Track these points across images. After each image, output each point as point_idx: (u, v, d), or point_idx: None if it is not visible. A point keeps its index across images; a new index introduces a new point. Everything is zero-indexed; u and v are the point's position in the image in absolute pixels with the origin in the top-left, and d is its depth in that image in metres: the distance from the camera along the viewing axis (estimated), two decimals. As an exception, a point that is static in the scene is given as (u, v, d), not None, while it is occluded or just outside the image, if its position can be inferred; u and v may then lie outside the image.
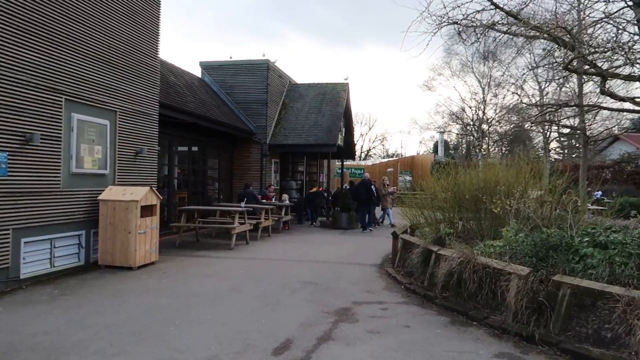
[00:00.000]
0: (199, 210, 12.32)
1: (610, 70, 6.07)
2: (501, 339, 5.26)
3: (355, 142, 22.17)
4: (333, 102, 18.96)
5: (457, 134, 40.53)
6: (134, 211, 8.63)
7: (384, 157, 55.73)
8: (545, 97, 33.24)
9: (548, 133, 33.72)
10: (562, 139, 41.86)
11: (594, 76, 6.22)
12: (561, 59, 6.70)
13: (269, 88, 17.60)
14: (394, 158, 47.20)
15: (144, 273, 8.40)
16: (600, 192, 21.08)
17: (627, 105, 6.67)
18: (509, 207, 8.10)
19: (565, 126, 15.49)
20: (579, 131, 14.33)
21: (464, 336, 5.38)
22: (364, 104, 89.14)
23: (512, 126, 37.75)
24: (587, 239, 6.62)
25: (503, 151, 40.45)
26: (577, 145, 44.29)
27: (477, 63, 33.06)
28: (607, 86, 6.13)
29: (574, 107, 12.24)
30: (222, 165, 17.19)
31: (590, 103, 11.92)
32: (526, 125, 38.22)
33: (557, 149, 46.74)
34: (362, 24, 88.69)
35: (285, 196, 16.74)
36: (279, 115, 18.64)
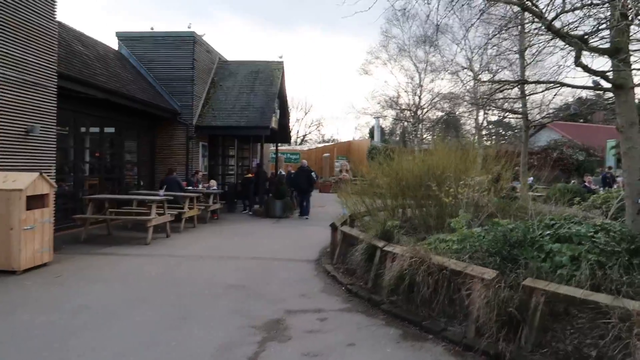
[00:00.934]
0: (111, 199, 10.67)
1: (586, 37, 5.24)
2: (465, 358, 4.33)
3: (290, 126, 20.95)
4: (267, 81, 17.60)
5: (394, 119, 40.28)
6: (16, 203, 7.01)
7: (320, 143, 54.84)
8: (477, 84, 33.50)
9: (483, 119, 34.09)
10: (489, 126, 42.48)
11: (568, 45, 5.38)
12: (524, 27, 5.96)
13: (196, 64, 15.95)
14: (330, 143, 46.41)
15: (30, 278, 6.83)
16: (531, 178, 21.26)
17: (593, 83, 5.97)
18: (461, 196, 7.26)
19: (508, 110, 15.10)
20: (520, 116, 13.96)
21: (421, 356, 4.41)
22: (300, 88, 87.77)
23: (444, 113, 38.01)
24: (548, 232, 5.87)
25: (435, 137, 40.77)
26: (503, 132, 45.50)
27: (414, 47, 32.71)
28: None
29: (520, 86, 11.73)
30: (142, 148, 15.44)
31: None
32: (458, 112, 38.64)
33: (486, 136, 47.90)
34: (298, 7, 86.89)
35: (213, 182, 15.30)
36: (208, 95, 17.04)
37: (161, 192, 10.58)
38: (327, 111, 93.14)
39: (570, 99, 30.59)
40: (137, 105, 13.05)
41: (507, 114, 17.34)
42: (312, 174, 16.49)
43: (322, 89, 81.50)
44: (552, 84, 6.28)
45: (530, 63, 12.40)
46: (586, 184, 17.10)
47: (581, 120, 43.35)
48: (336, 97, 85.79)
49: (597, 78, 6.17)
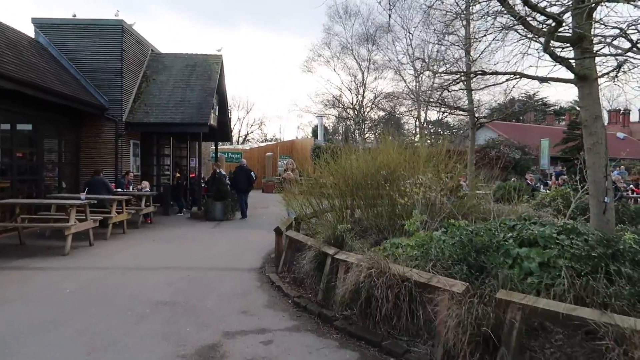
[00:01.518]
0: (23, 204, 9.33)
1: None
2: (434, 386, 3.72)
3: (232, 125, 19.92)
4: (204, 75, 16.53)
5: (337, 117, 39.95)
6: None
7: (262, 142, 53.78)
8: (420, 82, 33.76)
9: (424, 118, 34.38)
10: (429, 125, 42.85)
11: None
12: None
13: (125, 55, 14.65)
14: (273, 142, 45.48)
15: None
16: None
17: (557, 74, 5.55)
18: (417, 196, 6.71)
19: (455, 107, 14.92)
20: (466, 113, 13.79)
21: (384, 386, 3.75)
22: (242, 87, 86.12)
23: (386, 112, 38.12)
24: (510, 234, 5.42)
25: (377, 136, 40.82)
26: (441, 132, 46.24)
27: (357, 45, 32.48)
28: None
29: (467, 82, 11.45)
30: (65, 147, 13.97)
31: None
32: (399, 111, 38.87)
33: (426, 135, 48.65)
34: (238, 4, 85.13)
35: (145, 183, 14.10)
36: (139, 89, 15.76)
37: (83, 195, 9.38)
38: (269, 110, 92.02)
39: (507, 98, 31.34)
40: (57, 99, 11.68)
41: (453, 110, 17.24)
42: (252, 173, 15.97)
43: (263, 88, 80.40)
44: (512, 75, 5.83)
45: (477, 57, 12.20)
46: (528, 181, 17.31)
47: (513, 120, 44.91)
48: (278, 96, 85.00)
49: (558, 69, 5.79)
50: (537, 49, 5.59)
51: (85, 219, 9.36)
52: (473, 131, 13.65)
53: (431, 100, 15.56)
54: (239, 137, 57.21)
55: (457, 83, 7.84)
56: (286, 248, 7.43)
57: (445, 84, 8.40)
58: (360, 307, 4.70)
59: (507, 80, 6.06)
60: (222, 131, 18.80)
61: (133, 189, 13.78)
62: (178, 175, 15.57)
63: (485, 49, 7.77)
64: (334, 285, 5.66)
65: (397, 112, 39.73)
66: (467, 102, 14.62)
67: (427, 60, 31.93)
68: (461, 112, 16.43)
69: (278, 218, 14.22)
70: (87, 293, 6.17)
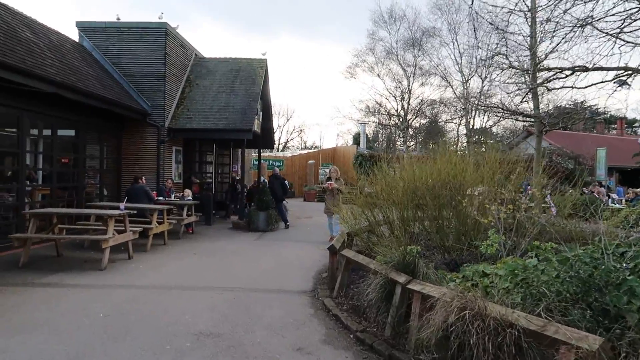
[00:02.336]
0: (60, 213, 8.83)
1: None
2: None
3: (274, 130, 19.29)
4: (249, 80, 15.95)
5: (380, 124, 38.85)
6: None
7: (302, 149, 53.31)
8: (467, 88, 32.38)
9: (471, 126, 33.03)
10: (471, 133, 40.88)
11: None
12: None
13: (168, 59, 14.22)
14: (313, 150, 44.80)
15: None
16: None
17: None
18: (501, 214, 5.70)
19: (519, 113, 13.69)
20: (533, 119, 12.56)
21: None
22: (282, 94, 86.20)
23: (430, 119, 36.76)
24: (627, 264, 4.36)
25: (419, 144, 39.42)
26: (484, 139, 44.27)
27: (402, 50, 31.45)
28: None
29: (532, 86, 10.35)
30: (107, 153, 13.62)
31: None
32: (445, 119, 37.42)
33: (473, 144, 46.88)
34: (277, 14, 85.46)
35: (187, 192, 13.54)
36: (182, 94, 15.31)
37: (122, 204, 8.80)
38: (309, 118, 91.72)
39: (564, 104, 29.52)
40: (98, 104, 11.27)
41: (514, 116, 15.93)
42: (285, 182, 16.13)
43: (303, 96, 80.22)
44: (622, 71, 4.80)
45: (548, 53, 10.99)
46: (595, 194, 15.82)
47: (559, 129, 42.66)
48: (318, 104, 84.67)
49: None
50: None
51: (125, 230, 8.77)
52: (539, 139, 12.40)
53: (489, 105, 14.36)
54: (278, 144, 56.99)
55: (549, 82, 6.78)
56: (342, 270, 6.55)
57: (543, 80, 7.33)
58: (450, 356, 3.74)
59: (615, 77, 5.00)
60: (265, 138, 18.17)
61: (174, 197, 13.24)
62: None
63: (557, 44, 6.68)
64: (405, 321, 4.74)
65: (440, 120, 38.35)
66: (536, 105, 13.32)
67: (479, 63, 30.56)
68: (526, 119, 15.10)
69: (323, 229, 13.47)
70: (121, 318, 5.46)
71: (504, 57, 12.63)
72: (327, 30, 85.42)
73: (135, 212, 9.29)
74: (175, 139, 14.73)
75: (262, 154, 31.15)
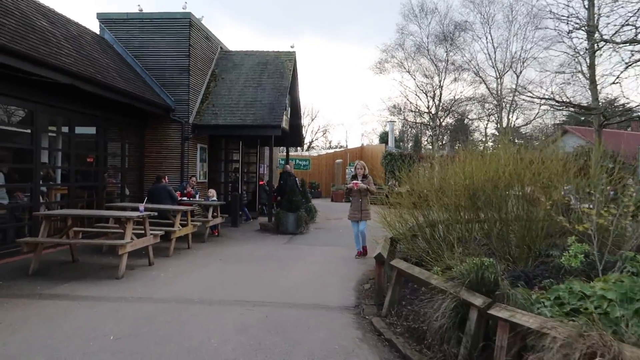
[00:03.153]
0: (75, 215, 8.04)
1: None
2: None
3: (303, 126, 18.38)
4: (277, 73, 15.09)
5: (410, 122, 37.60)
6: None
7: (327, 149, 52.37)
8: (500, 85, 30.95)
9: (508, 122, 31.63)
10: (505, 131, 39.25)
11: None
12: None
13: (192, 51, 13.45)
14: (340, 149, 43.80)
15: None
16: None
17: None
18: (600, 220, 4.62)
19: (574, 105, 12.51)
20: (592, 112, 11.35)
21: None
22: (306, 95, 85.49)
23: (460, 116, 35.37)
24: None
25: (444, 143, 37.99)
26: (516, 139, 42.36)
27: (433, 45, 30.21)
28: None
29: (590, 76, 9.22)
30: (128, 151, 12.92)
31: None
32: (477, 115, 35.94)
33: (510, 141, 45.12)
34: (298, 16, 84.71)
35: (212, 192, 12.73)
36: (207, 89, 14.54)
37: (141, 206, 7.98)
38: (333, 118, 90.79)
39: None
40: (118, 97, 10.53)
41: (569, 108, 14.72)
42: (297, 180, 15.86)
43: (327, 96, 79.35)
44: None
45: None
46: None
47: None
48: (343, 104, 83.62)
49: None
50: None
51: (144, 233, 7.95)
52: (599, 134, 11.22)
53: (540, 97, 13.15)
54: (303, 143, 56.27)
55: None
56: (393, 283, 5.56)
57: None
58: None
59: None
60: (294, 135, 17.30)
61: (198, 197, 12.45)
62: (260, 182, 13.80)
63: None
64: (484, 353, 3.75)
65: (470, 118, 36.91)
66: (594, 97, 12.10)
67: (513, 58, 29.14)
68: (583, 111, 13.87)
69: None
70: (135, 343, 4.58)
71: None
72: (350, 30, 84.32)
73: (156, 213, 8.46)
74: (199, 136, 13.95)
75: (283, 154, 30.25)
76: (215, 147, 15.44)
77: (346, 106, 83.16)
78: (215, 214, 12.03)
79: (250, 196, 17.51)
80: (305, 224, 13.71)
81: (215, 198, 12.63)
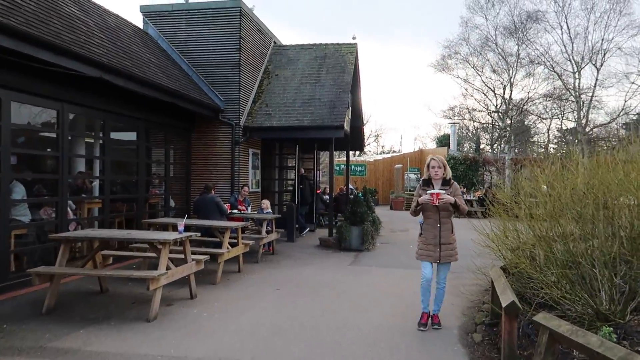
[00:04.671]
0: (99, 237, 6.53)
1: None
2: None
3: (364, 128, 16.57)
4: (337, 68, 13.37)
5: (475, 123, 34.97)
6: None
7: (379, 154, 50.20)
8: (579, 79, 27.92)
9: (585, 122, 28.63)
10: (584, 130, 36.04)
11: None
12: None
13: (244, 45, 11.95)
14: (393, 154, 41.59)
15: None
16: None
17: None
18: None
19: None
20: None
21: None
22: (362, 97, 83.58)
23: (531, 114, 32.40)
24: None
25: (513, 145, 35.01)
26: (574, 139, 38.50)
27: (501, 38, 27.65)
28: None
29: None
30: (173, 157, 11.57)
31: None
32: (529, 120, 32.85)
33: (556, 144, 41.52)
34: (348, 18, 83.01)
35: (266, 203, 11.13)
36: (260, 87, 13.03)
37: (181, 225, 6.38)
38: (386, 122, 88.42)
39: None
40: (161, 95, 9.13)
41: None
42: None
43: (380, 100, 77.18)
44: None
45: None
46: None
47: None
48: (395, 108, 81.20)
49: None
50: None
51: (185, 259, 6.37)
52: None
53: None
54: (364, 147, 54.32)
55: None
56: (543, 353, 3.62)
57: None
58: None
59: None
60: (355, 138, 15.54)
61: (250, 209, 10.88)
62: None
63: None
64: None
65: (541, 118, 33.84)
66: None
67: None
68: None
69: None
70: None
71: None
72: (401, 34, 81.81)
73: (198, 234, 6.85)
74: (251, 140, 12.43)
75: (338, 159, 28.26)
76: (268, 152, 13.90)
77: (399, 110, 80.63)
78: (269, 228, 10.42)
79: (307, 208, 15.84)
80: (372, 238, 11.86)
81: (269, 210, 11.04)
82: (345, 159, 31.87)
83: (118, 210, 9.67)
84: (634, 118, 28.48)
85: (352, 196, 16.59)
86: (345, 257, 10.47)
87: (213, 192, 9.71)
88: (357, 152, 54.63)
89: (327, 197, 16.47)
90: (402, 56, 78.57)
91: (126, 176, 10.27)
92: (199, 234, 6.69)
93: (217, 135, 11.81)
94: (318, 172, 17.67)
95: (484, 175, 29.77)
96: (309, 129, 11.80)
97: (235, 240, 8.43)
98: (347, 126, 13.05)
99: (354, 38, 14.36)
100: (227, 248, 7.83)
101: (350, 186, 18.40)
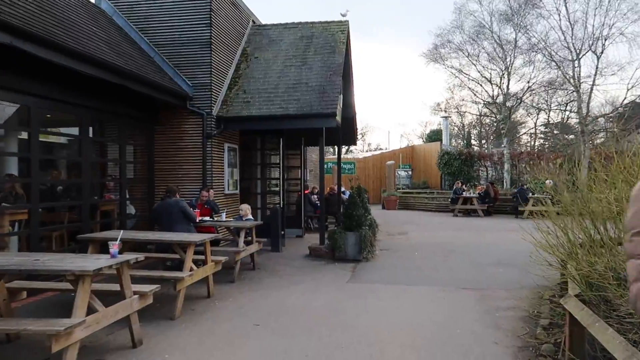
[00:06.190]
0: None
1: None
2: None
3: (356, 119, 14.73)
4: (326, 48, 11.51)
5: (470, 114, 33.34)
6: None
7: (366, 152, 48.43)
8: (578, 68, 26.41)
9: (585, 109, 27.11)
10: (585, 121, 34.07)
11: None
12: None
13: (215, 20, 10.04)
14: (379, 151, 39.82)
15: None
16: None
17: None
18: None
19: None
20: None
21: None
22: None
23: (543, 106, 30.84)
24: None
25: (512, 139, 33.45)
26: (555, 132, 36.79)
27: (497, 24, 26.04)
28: None
29: None
30: (134, 155, 9.65)
31: None
32: (518, 113, 31.40)
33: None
34: (331, 16, 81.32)
35: (245, 208, 9.24)
36: (237, 71, 11.12)
37: (114, 246, 4.43)
38: (371, 121, 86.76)
39: None
40: (106, 76, 7.19)
41: None
42: None
43: (363, 98, 75.90)
44: None
45: None
46: None
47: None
48: (379, 107, 79.84)
49: None
50: None
51: (122, 295, 4.47)
52: None
53: None
54: (356, 141, 52.56)
55: None
56: None
57: None
58: None
59: None
60: (347, 130, 13.70)
61: (225, 216, 8.97)
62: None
63: None
64: None
65: (545, 110, 32.35)
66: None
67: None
68: None
69: (440, 253, 8.94)
70: None
71: None
72: (384, 32, 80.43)
73: (141, 257, 4.92)
74: (227, 133, 10.52)
75: (325, 157, 26.38)
76: (247, 148, 11.99)
77: (383, 109, 79.25)
78: (248, 238, 8.56)
79: (294, 209, 13.97)
80: (371, 246, 10.06)
81: (250, 217, 9.15)
82: (332, 157, 30.17)
83: (57, 221, 7.71)
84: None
85: (345, 196, 14.80)
86: (341, 270, 8.65)
87: (177, 196, 7.80)
88: (345, 151, 52.95)
89: (316, 197, 14.63)
90: (386, 55, 77.31)
91: (65, 179, 8.32)
92: (141, 257, 4.75)
93: (185, 127, 9.89)
94: (305, 170, 15.80)
95: (479, 170, 28.24)
96: (295, 117, 9.91)
97: (206, 259, 6.55)
98: (339, 116, 11.18)
99: (344, 15, 12.50)
100: (190, 271, 5.93)
101: (344, 189, 16.57)
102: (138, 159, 9.74)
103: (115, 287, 4.58)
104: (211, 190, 9.00)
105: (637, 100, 26.02)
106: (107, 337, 4.90)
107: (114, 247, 4.34)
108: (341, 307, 6.21)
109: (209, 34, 9.88)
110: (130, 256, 4.49)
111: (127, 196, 9.17)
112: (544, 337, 4.87)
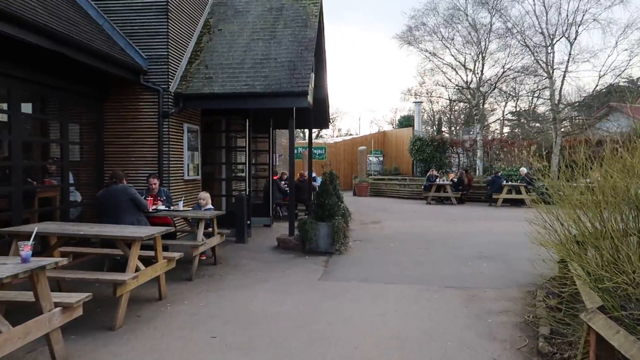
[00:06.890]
0: None
1: None
2: None
3: (329, 100, 13.84)
4: (297, 21, 10.55)
5: (442, 99, 32.88)
6: None
7: (336, 137, 47.67)
8: (552, 54, 26.16)
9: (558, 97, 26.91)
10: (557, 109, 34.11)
11: None
12: None
13: (174, -16, 8.96)
14: (349, 137, 39.13)
15: None
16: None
17: None
18: None
19: None
20: None
21: None
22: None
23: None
24: None
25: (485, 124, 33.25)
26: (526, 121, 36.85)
27: (471, 7, 25.49)
28: None
29: None
30: (79, 135, 8.56)
31: None
32: (488, 102, 31.22)
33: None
34: None
35: (204, 196, 8.30)
36: (198, 44, 10.05)
37: (25, 247, 3.46)
38: (341, 106, 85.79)
39: None
40: (41, 42, 6.08)
41: None
42: None
43: (333, 84, 75.12)
44: None
45: None
46: None
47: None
48: (349, 92, 79.10)
49: None
50: None
51: (39, 309, 3.54)
52: None
53: None
54: (310, 132, 51.65)
55: None
56: None
57: None
58: None
59: None
60: (319, 112, 12.81)
61: (183, 205, 8.02)
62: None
63: None
64: None
65: (512, 96, 32.15)
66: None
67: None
68: None
69: (420, 243, 8.27)
70: None
71: None
72: (353, 16, 79.41)
73: (64, 260, 3.97)
74: (187, 112, 9.51)
75: (296, 141, 25.52)
76: (211, 130, 10.99)
77: (353, 94, 78.49)
78: (209, 229, 7.67)
79: (262, 196, 13.06)
80: (344, 237, 9.29)
81: (210, 206, 8.22)
82: (301, 142, 29.24)
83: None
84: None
85: (316, 183, 13.96)
86: (313, 265, 7.86)
87: (125, 182, 6.81)
88: (315, 135, 52.03)
89: (286, 184, 13.76)
90: (356, 39, 76.40)
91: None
92: (63, 261, 3.80)
93: (139, 105, 8.82)
94: (274, 154, 14.88)
95: (451, 157, 27.88)
96: (262, 96, 8.96)
97: (156, 257, 5.63)
98: (310, 95, 10.27)
99: (317, -14, 11.49)
100: (136, 271, 5.01)
101: (315, 175, 15.72)
102: (85, 139, 8.65)
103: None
104: (154, 178, 7.74)
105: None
106: (27, 355, 3.98)
107: (25, 249, 3.39)
108: (312, 312, 5.40)
109: (166, 5, 8.78)
110: (47, 260, 3.54)
111: (72, 181, 8.08)
112: (548, 350, 4.21)
